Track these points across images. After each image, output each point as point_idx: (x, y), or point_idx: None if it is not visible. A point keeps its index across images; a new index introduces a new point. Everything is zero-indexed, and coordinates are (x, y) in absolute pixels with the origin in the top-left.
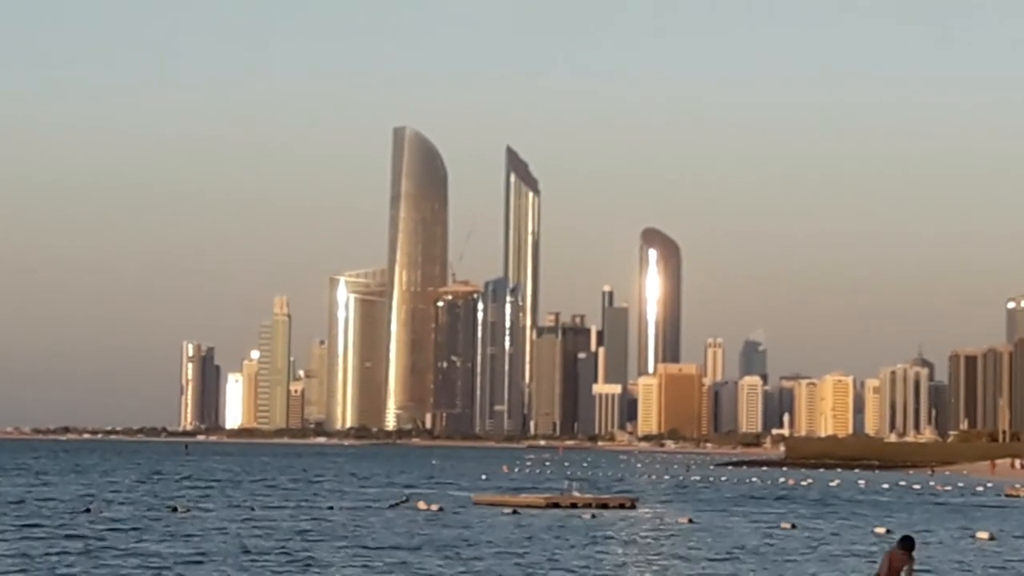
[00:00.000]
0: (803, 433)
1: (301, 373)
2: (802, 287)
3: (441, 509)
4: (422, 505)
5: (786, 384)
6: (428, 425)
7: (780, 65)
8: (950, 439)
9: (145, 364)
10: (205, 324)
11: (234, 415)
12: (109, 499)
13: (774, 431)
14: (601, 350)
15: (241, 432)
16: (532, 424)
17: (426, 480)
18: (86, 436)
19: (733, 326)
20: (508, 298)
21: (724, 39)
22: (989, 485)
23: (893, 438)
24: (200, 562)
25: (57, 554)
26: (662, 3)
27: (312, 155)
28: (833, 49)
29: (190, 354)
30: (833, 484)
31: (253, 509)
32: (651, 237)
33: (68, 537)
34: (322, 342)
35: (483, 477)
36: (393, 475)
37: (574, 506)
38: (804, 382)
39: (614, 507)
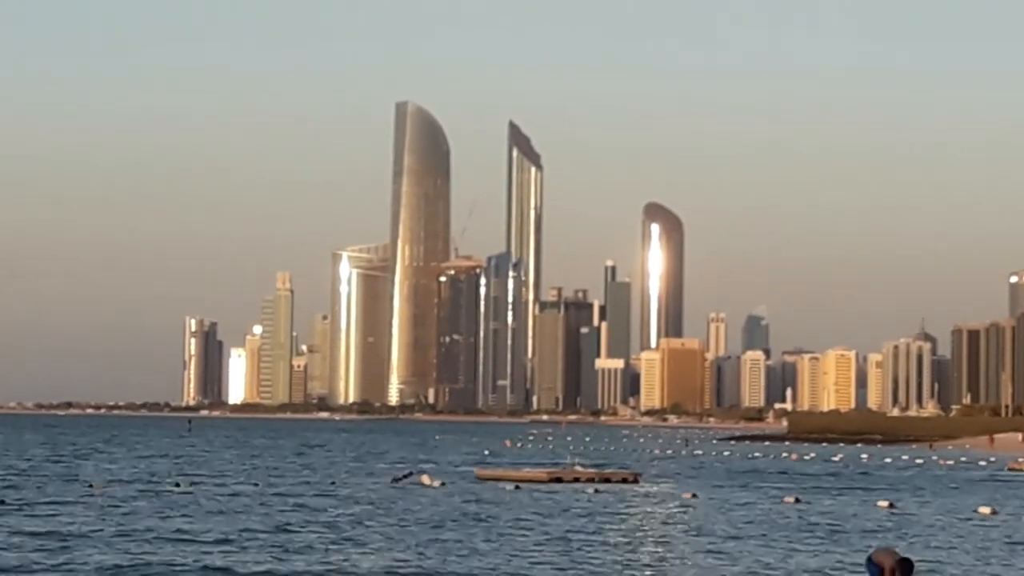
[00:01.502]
0: (806, 408)
1: (304, 348)
2: (804, 262)
3: (444, 484)
4: (425, 480)
5: (789, 359)
6: (431, 400)
7: (783, 40)
8: (952, 413)
9: (148, 339)
10: (207, 299)
11: (237, 390)
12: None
13: (777, 406)
14: (604, 325)
15: (244, 407)
16: (535, 399)
17: (429, 454)
18: (89, 411)
19: (736, 301)
20: (511, 273)
21: (726, 15)
22: (992, 460)
23: (896, 412)
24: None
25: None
26: None
27: (314, 130)
28: (835, 26)
29: (192, 329)
30: (836, 459)
31: (257, 484)
32: (653, 212)
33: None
34: (325, 317)
35: (486, 452)
36: (396, 450)
37: (577, 480)
38: (807, 357)
39: (616, 482)
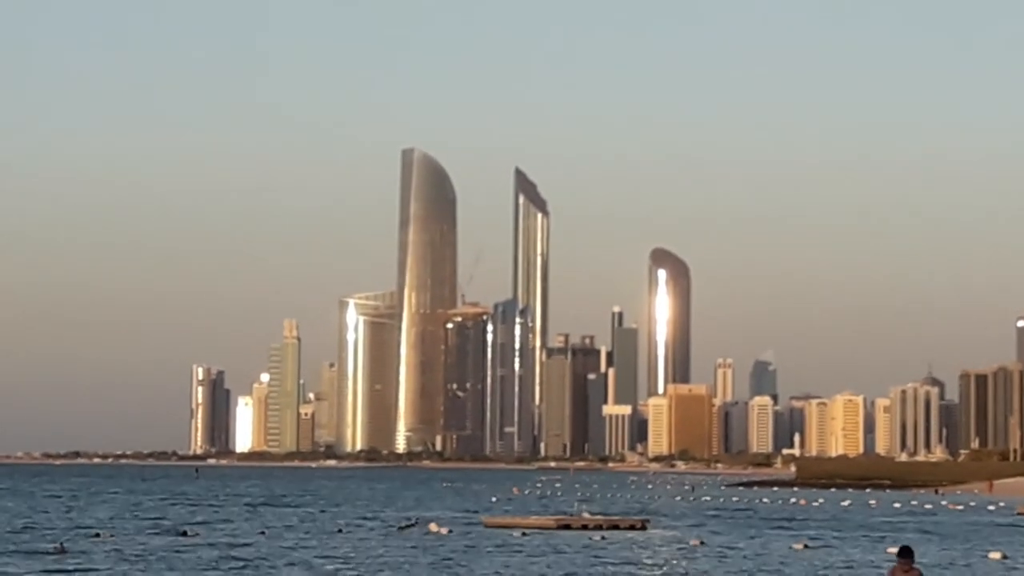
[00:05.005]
0: (814, 453)
1: (311, 396)
2: (812, 307)
3: (451, 532)
4: (432, 527)
5: (796, 404)
6: (438, 447)
7: (788, 87)
8: (961, 458)
9: (155, 388)
10: (214, 347)
11: (244, 438)
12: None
13: (785, 451)
14: (611, 371)
15: (251, 455)
16: (542, 446)
17: (436, 502)
18: (96, 460)
19: (743, 346)
20: (517, 319)
21: (733, 63)
22: (1001, 504)
23: (904, 457)
24: None
25: None
26: (670, 29)
27: (321, 177)
28: (842, 71)
29: (200, 377)
30: (844, 504)
31: (263, 533)
32: (660, 257)
33: None
34: (332, 365)
35: (493, 499)
36: (403, 497)
37: (585, 528)
38: (814, 402)
39: (624, 528)
